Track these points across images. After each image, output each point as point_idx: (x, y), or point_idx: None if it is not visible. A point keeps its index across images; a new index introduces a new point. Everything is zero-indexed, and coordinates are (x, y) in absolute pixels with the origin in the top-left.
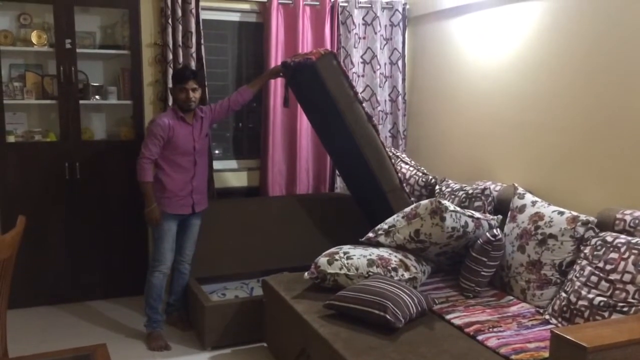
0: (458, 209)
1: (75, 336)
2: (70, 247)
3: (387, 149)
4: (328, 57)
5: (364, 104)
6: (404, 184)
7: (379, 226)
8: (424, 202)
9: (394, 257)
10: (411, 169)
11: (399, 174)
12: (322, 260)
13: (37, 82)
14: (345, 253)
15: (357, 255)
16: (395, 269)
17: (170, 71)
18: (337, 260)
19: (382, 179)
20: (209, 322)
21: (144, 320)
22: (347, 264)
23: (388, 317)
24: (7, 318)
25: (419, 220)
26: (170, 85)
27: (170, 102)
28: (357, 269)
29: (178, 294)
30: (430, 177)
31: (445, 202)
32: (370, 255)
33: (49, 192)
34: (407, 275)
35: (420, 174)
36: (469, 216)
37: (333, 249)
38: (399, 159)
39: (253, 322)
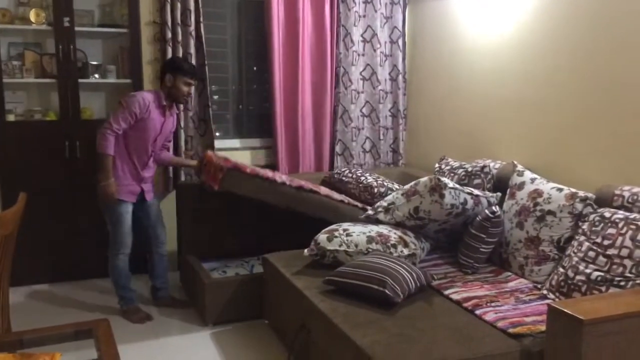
0: (457, 186)
1: (78, 313)
2: (71, 225)
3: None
4: (229, 176)
5: (286, 183)
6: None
7: (378, 203)
8: (424, 179)
9: (393, 234)
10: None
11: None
12: (322, 237)
13: (36, 61)
14: (344, 230)
15: (357, 232)
16: (394, 246)
17: (169, 50)
18: (336, 237)
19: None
20: (209, 298)
21: (117, 301)
22: (347, 240)
23: (387, 292)
24: (9, 295)
25: (418, 197)
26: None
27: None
28: (356, 246)
29: (164, 276)
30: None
31: (445, 179)
32: (369, 232)
33: (49, 171)
34: (406, 251)
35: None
36: (468, 193)
37: (333, 226)
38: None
39: (253, 299)
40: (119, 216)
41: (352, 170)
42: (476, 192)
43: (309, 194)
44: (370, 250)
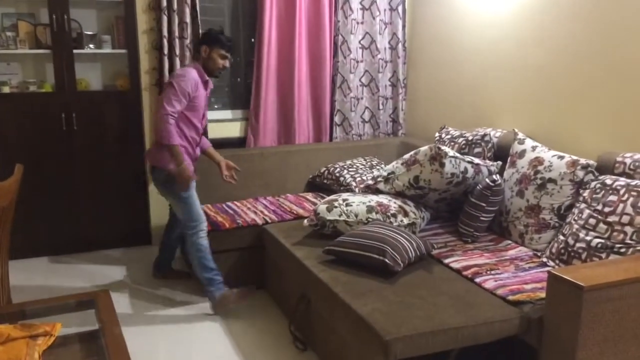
0: (457, 154)
1: (78, 285)
2: (69, 198)
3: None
4: None
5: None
6: None
7: (377, 173)
8: (423, 148)
9: (393, 204)
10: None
11: None
12: (322, 207)
13: (29, 32)
14: (344, 200)
15: (357, 202)
16: (394, 215)
17: (165, 19)
18: (336, 207)
19: None
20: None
21: (207, 292)
22: (347, 210)
23: (387, 261)
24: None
25: (418, 166)
26: (193, 42)
27: (188, 59)
28: (356, 216)
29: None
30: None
31: (445, 148)
32: (369, 202)
33: (45, 143)
34: (406, 220)
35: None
36: (469, 162)
37: (333, 196)
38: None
39: (254, 269)
40: (192, 194)
41: (331, 171)
42: (476, 160)
43: None
44: (370, 220)
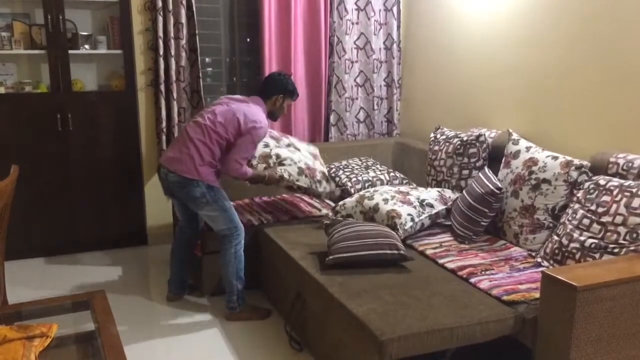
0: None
1: (74, 286)
2: (64, 199)
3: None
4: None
5: None
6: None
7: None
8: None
9: (319, 172)
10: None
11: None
12: (260, 167)
13: (24, 32)
14: (277, 156)
15: (288, 161)
16: (319, 182)
17: (160, 19)
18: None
19: None
20: (206, 270)
21: (231, 302)
22: (281, 170)
23: (402, 252)
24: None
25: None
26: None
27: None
28: (289, 176)
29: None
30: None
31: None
32: (298, 162)
33: (41, 144)
34: (328, 188)
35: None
36: (427, 216)
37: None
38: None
39: (250, 270)
40: (229, 203)
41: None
42: (435, 209)
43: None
44: (298, 181)
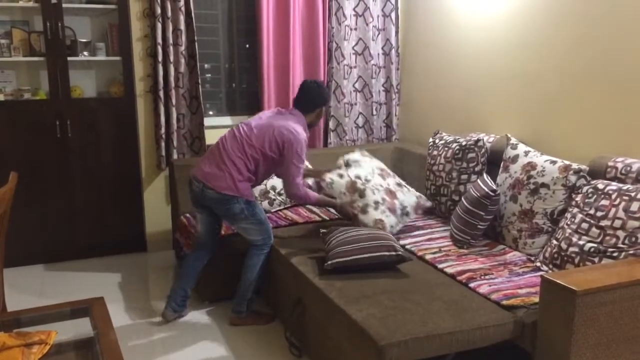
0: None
1: (73, 293)
2: (63, 205)
3: None
4: None
5: None
6: None
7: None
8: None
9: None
10: None
11: None
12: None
13: (23, 39)
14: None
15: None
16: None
17: (159, 26)
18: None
19: None
20: (204, 276)
21: (240, 306)
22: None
23: (401, 253)
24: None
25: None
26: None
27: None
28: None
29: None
30: None
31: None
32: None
33: (40, 150)
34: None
35: None
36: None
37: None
38: None
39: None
40: (264, 213)
41: None
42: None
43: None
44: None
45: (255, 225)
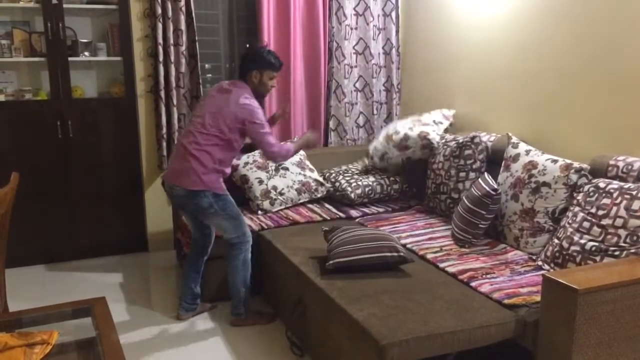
0: (439, 134)
1: (74, 293)
2: (65, 205)
3: None
4: None
5: None
6: None
7: (372, 152)
8: (412, 135)
9: (312, 180)
10: None
11: None
12: (266, 203)
13: (24, 40)
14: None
15: (285, 189)
16: (316, 190)
17: (160, 26)
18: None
19: None
20: (207, 276)
21: (238, 308)
22: (284, 199)
23: (402, 254)
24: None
25: (411, 151)
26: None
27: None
28: (291, 200)
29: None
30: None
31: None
32: (293, 184)
33: (41, 151)
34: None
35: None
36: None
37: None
38: None
39: (251, 275)
40: (237, 208)
41: (327, 176)
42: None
43: None
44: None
45: (227, 220)
